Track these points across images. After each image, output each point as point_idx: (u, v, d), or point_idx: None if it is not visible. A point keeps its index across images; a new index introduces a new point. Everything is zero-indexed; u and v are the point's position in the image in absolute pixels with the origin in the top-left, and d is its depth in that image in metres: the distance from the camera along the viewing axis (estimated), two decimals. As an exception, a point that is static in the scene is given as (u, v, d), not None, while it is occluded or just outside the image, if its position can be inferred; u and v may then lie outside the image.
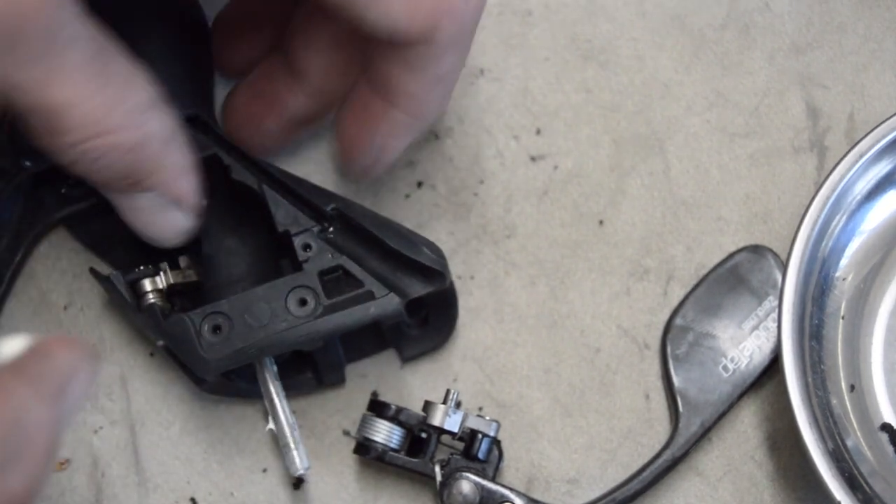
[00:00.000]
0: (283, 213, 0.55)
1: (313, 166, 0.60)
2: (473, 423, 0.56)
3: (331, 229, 0.55)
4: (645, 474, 0.56)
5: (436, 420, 0.55)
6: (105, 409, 0.58)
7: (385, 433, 0.55)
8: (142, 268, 0.55)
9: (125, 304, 0.55)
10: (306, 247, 0.54)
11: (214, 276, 0.57)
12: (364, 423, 0.56)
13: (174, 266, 0.55)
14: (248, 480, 0.58)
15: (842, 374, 0.57)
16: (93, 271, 0.56)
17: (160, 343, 0.54)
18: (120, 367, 0.58)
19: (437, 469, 0.55)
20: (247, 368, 0.55)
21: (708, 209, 0.60)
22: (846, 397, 0.56)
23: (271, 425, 0.56)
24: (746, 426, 0.58)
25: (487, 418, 0.56)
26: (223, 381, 0.55)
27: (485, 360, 0.59)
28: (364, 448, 0.56)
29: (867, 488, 0.53)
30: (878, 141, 0.56)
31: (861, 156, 0.56)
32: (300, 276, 0.54)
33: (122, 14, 0.52)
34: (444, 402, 0.56)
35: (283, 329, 0.53)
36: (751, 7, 0.62)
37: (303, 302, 0.54)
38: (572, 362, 0.59)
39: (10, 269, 0.58)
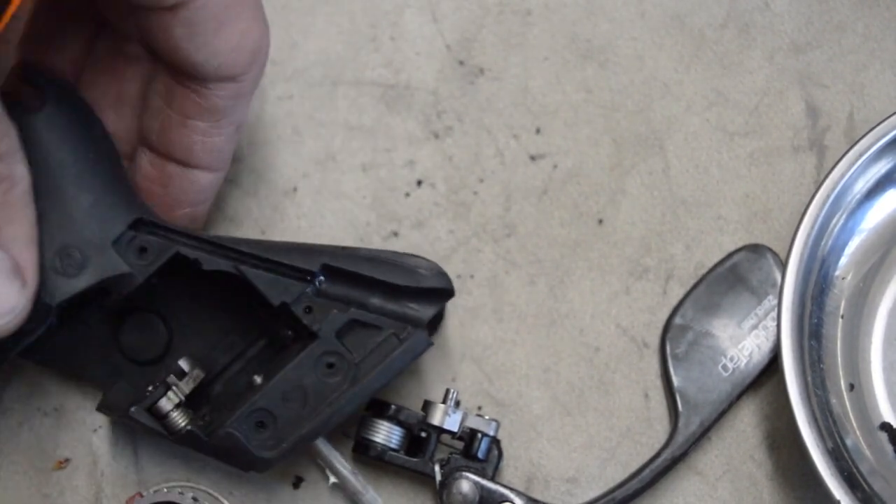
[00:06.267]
0: (271, 287, 0.53)
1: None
2: (473, 423, 0.56)
3: (322, 279, 0.54)
4: (644, 473, 0.56)
5: (435, 419, 0.55)
6: (105, 408, 0.58)
7: (384, 433, 0.55)
8: (151, 389, 0.53)
9: (158, 435, 0.53)
10: (307, 309, 0.53)
11: (216, 367, 0.56)
12: (363, 423, 0.56)
13: (177, 371, 0.54)
14: (247, 479, 0.58)
15: (841, 373, 0.57)
16: (102, 409, 0.55)
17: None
18: (120, 367, 0.59)
19: (437, 468, 0.55)
20: None
21: (707, 208, 0.60)
22: (845, 396, 0.56)
23: (334, 479, 0.57)
24: (746, 425, 0.58)
25: (487, 417, 0.56)
26: None
27: (484, 359, 0.59)
28: (363, 447, 0.56)
29: (866, 487, 0.53)
30: (877, 140, 0.56)
31: (860, 155, 0.56)
32: (319, 344, 0.53)
33: None
34: (444, 402, 0.56)
35: (329, 403, 0.52)
36: (751, 7, 0.62)
37: (330, 366, 0.53)
38: (571, 361, 0.59)
39: None
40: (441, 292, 0.54)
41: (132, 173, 0.54)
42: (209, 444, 0.53)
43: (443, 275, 0.54)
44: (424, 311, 0.54)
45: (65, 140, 0.51)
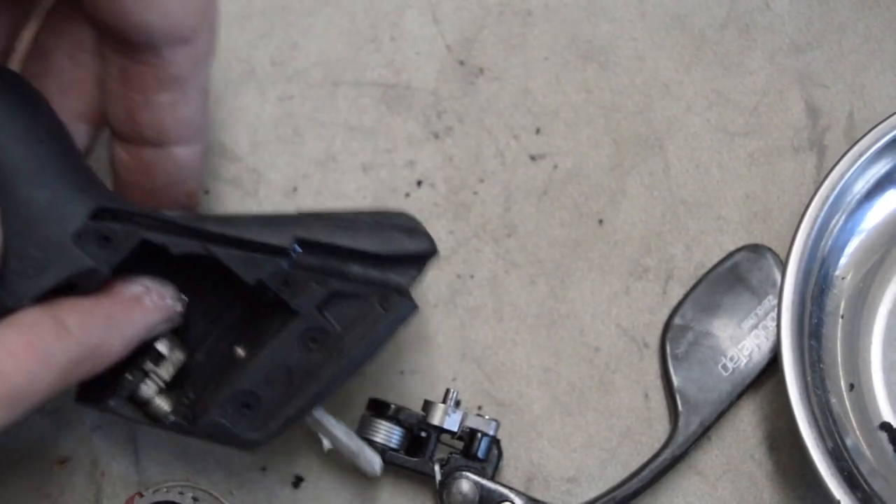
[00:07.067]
0: (244, 265, 0.50)
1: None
2: (473, 423, 0.56)
3: (298, 251, 0.51)
4: (644, 473, 0.56)
5: (435, 419, 0.55)
6: (105, 407, 0.58)
7: (384, 433, 0.55)
8: (128, 377, 0.51)
9: (143, 424, 0.52)
10: (285, 283, 0.51)
11: (195, 336, 0.54)
12: (363, 423, 0.56)
13: (155, 356, 0.51)
14: (248, 479, 0.58)
15: (841, 373, 0.57)
16: (80, 400, 0.52)
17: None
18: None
19: (437, 468, 0.55)
20: None
21: (708, 208, 0.60)
22: (845, 396, 0.56)
23: (328, 445, 0.55)
24: (746, 425, 0.58)
25: (487, 417, 0.56)
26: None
27: (484, 359, 0.59)
28: (363, 447, 0.56)
29: (866, 487, 0.53)
30: (877, 140, 0.56)
31: (860, 155, 0.56)
32: (300, 321, 0.51)
33: None
34: (444, 402, 0.56)
35: (317, 380, 0.51)
36: (751, 7, 0.62)
37: (314, 341, 0.51)
38: (572, 361, 0.59)
39: None
40: (422, 255, 0.52)
41: (114, 167, 0.52)
42: (196, 432, 0.51)
43: (422, 235, 0.52)
44: (405, 276, 0.52)
45: (12, 132, 0.48)
